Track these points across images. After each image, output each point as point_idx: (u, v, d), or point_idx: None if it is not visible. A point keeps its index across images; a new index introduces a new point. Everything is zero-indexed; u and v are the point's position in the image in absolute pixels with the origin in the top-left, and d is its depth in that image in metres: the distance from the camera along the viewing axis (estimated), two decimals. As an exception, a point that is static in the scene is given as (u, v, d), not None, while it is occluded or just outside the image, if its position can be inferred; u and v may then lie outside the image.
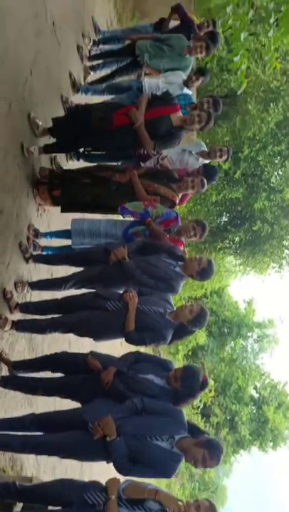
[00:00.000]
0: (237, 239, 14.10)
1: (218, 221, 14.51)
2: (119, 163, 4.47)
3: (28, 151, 3.82)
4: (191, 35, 5.26)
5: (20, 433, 2.83)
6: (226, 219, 14.59)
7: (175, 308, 3.27)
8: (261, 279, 15.89)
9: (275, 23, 8.24)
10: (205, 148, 5.01)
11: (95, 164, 4.72)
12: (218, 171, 4.57)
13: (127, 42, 5.71)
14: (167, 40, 5.26)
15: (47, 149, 4.14)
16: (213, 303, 23.31)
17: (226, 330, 25.05)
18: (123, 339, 3.30)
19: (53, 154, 4.46)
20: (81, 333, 3.35)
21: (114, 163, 4.49)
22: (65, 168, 4.68)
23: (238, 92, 10.62)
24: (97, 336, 3.31)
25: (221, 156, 4.77)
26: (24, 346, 3.65)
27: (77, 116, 4.20)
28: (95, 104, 4.76)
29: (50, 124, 4.16)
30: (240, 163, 12.54)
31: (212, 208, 13.59)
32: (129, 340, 3.20)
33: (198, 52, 5.08)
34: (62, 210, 4.03)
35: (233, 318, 25.04)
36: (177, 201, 3.91)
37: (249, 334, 26.93)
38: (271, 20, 8.28)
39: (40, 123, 4.03)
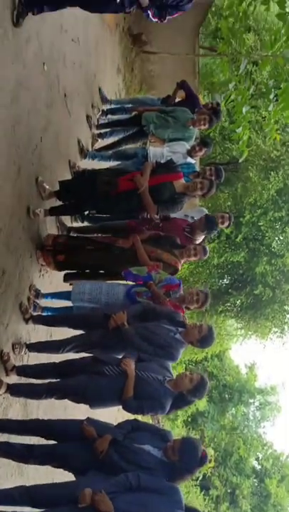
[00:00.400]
0: (238, 302, 14.05)
1: (220, 284, 14.53)
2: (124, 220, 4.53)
3: (34, 213, 3.92)
4: (195, 109, 5.54)
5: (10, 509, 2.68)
6: (228, 282, 14.62)
7: (174, 376, 3.20)
8: (263, 344, 15.64)
9: (274, 98, 8.70)
10: (207, 213, 5.13)
11: (99, 224, 4.83)
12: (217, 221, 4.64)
13: (134, 113, 6.00)
14: (172, 113, 5.54)
15: (52, 212, 4.24)
16: (214, 367, 22.79)
17: (226, 396, 24.29)
18: (120, 406, 3.21)
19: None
20: (77, 399, 3.26)
21: (118, 223, 4.57)
22: (69, 226, 4.79)
23: (240, 161, 11.02)
24: (94, 403, 3.21)
25: (222, 223, 4.87)
26: (18, 411, 3.54)
27: (84, 180, 4.35)
28: (101, 169, 4.94)
29: (56, 188, 4.29)
30: (241, 227, 12.77)
31: (214, 270, 13.67)
32: (127, 407, 3.11)
33: (201, 125, 5.32)
34: (65, 280, 4.07)
35: (234, 384, 24.36)
36: (180, 268, 3.95)
37: (251, 401, 26.05)
38: (271, 96, 8.74)
39: (48, 187, 4.16)
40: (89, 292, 3.79)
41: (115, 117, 6.36)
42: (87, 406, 3.31)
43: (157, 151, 5.17)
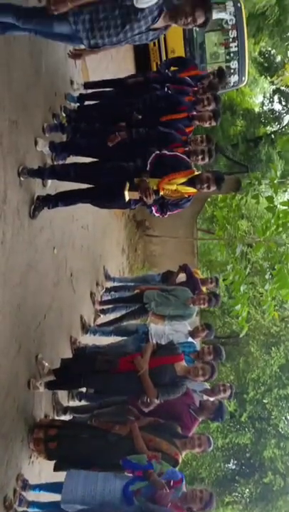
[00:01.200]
0: (247, 492, 12.66)
1: (225, 469, 13.29)
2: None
3: (34, 386, 3.83)
4: (195, 291, 5.81)
5: None
6: (234, 467, 13.40)
7: None
8: None
9: (270, 277, 9.18)
10: (208, 386, 5.00)
11: (98, 402, 4.63)
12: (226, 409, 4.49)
13: (136, 291, 6.26)
14: (173, 291, 5.78)
15: (51, 385, 4.13)
16: None
17: None
18: None
19: (55, 392, 4.43)
20: None
21: (118, 398, 4.39)
22: (65, 405, 4.60)
23: (241, 335, 11.12)
24: None
25: (224, 391, 4.70)
26: None
27: (84, 357, 4.33)
28: (101, 347, 4.97)
29: (56, 365, 4.23)
30: (245, 405, 12.26)
31: (218, 453, 12.65)
32: None
33: (201, 304, 5.50)
34: (56, 469, 3.75)
35: None
36: (180, 460, 3.65)
37: None
38: (267, 276, 9.25)
39: (47, 364, 4.11)
40: (82, 487, 3.40)
41: (118, 294, 6.61)
42: None
43: (158, 329, 5.25)
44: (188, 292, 5.71)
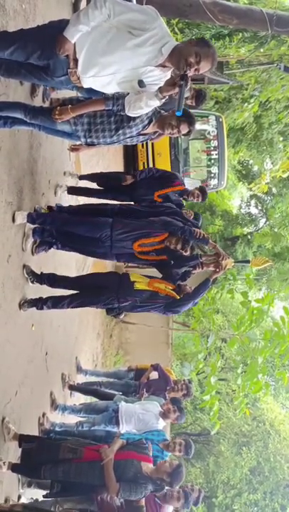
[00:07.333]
0: None
1: None
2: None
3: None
4: (167, 387, 5.88)
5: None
6: None
7: None
8: None
9: (242, 373, 9.22)
10: None
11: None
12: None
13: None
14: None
15: (14, 468, 3.99)
16: None
17: None
18: None
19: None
20: None
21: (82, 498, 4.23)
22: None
23: (212, 433, 10.83)
24: None
25: (192, 491, 4.57)
26: None
27: (48, 445, 4.24)
28: (69, 426, 4.88)
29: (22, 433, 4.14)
30: (214, 510, 11.56)
31: None
32: None
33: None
34: None
35: None
36: None
37: None
38: (239, 370, 9.30)
39: (13, 427, 4.01)
40: None
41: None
42: None
43: (129, 408, 5.21)
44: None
